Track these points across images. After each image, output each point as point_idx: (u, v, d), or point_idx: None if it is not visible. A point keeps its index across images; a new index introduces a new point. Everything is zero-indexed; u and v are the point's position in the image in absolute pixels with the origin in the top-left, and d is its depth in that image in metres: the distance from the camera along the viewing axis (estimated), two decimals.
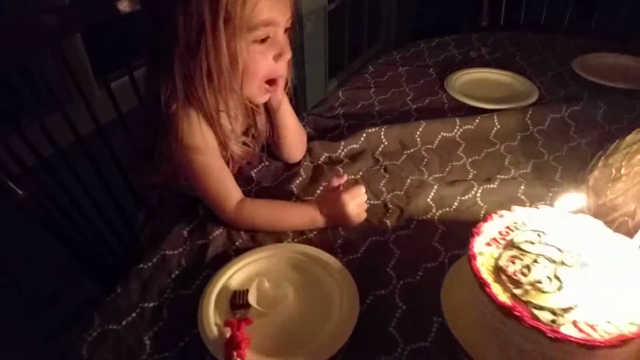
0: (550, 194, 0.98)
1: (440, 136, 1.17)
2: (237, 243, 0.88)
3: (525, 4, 1.89)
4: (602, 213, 0.83)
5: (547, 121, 1.23)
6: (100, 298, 0.79)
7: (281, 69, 0.88)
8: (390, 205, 0.96)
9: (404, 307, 0.76)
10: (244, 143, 0.99)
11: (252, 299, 0.74)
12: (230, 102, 0.88)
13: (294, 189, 1.00)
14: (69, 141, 1.11)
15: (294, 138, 1.06)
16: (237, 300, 0.75)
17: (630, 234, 0.79)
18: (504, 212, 0.77)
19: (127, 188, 1.20)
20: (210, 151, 0.88)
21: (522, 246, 0.71)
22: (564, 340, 0.57)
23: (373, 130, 1.15)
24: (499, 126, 1.20)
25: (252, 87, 0.87)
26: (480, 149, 1.14)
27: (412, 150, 1.14)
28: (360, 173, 1.06)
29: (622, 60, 1.52)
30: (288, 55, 0.86)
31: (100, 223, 1.15)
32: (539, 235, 0.73)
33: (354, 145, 1.13)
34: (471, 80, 1.45)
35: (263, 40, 0.82)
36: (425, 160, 1.11)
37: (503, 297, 0.63)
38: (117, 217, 1.20)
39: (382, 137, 1.14)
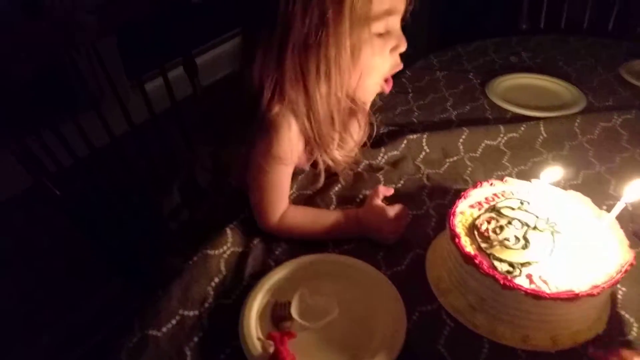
0: (604, 207, 0.92)
1: (484, 144, 1.13)
2: (276, 252, 0.85)
3: (567, 7, 1.82)
4: None
5: (597, 130, 1.17)
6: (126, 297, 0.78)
7: (399, 62, 0.83)
8: (432, 213, 0.93)
9: (452, 324, 0.73)
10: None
11: (294, 311, 0.72)
12: (343, 103, 0.83)
13: (333, 197, 0.97)
14: (103, 141, 1.11)
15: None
16: (279, 313, 0.72)
17: None
18: (495, 181, 0.83)
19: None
20: (289, 164, 0.85)
21: (502, 210, 0.77)
22: (514, 289, 0.63)
23: (414, 136, 1.11)
24: (545, 135, 1.15)
25: (369, 85, 0.83)
26: (527, 158, 1.09)
27: (454, 158, 1.10)
28: (402, 181, 1.03)
29: None
30: (404, 46, 0.81)
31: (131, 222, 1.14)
32: (522, 203, 0.78)
33: (395, 152, 1.10)
34: (514, 86, 1.40)
35: (382, 33, 0.78)
36: (469, 169, 1.07)
37: (469, 248, 0.71)
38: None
39: (424, 144, 1.11)
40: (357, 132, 0.93)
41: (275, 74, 0.77)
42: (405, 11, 0.80)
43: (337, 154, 0.89)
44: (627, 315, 0.73)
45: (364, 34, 0.74)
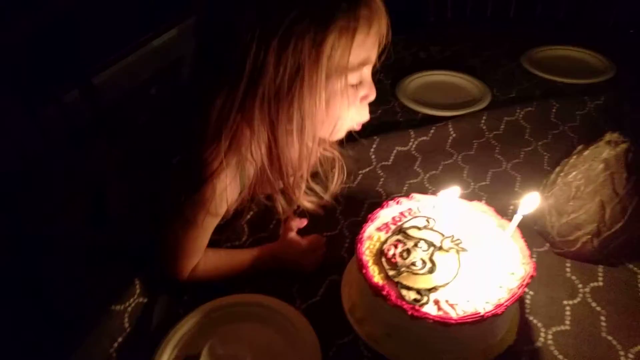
0: (511, 207, 0.95)
1: (395, 151, 1.12)
2: (185, 298, 0.80)
3: None
4: (566, 231, 0.80)
5: (502, 125, 1.21)
6: None
7: (367, 113, 0.83)
8: (346, 234, 0.91)
9: (369, 354, 0.71)
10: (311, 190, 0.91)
11: None
12: (314, 152, 0.79)
13: (245, 226, 0.93)
14: None
15: None
16: None
17: (592, 253, 0.78)
18: (402, 199, 0.82)
19: None
20: (219, 217, 0.79)
21: (409, 231, 0.76)
22: (422, 318, 0.63)
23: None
24: (454, 134, 1.17)
25: (337, 134, 0.82)
26: (438, 162, 1.10)
27: (367, 169, 1.08)
28: None
29: (567, 53, 1.52)
30: (374, 95, 0.79)
31: None
32: (427, 221, 0.77)
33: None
34: (423, 85, 1.41)
35: (355, 84, 0.75)
36: (382, 179, 1.06)
37: (377, 278, 0.69)
38: None
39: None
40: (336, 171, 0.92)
41: (235, 123, 0.70)
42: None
43: (308, 202, 0.86)
44: (535, 321, 0.75)
45: (338, 84, 0.71)
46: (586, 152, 0.78)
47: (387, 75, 1.46)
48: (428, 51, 1.61)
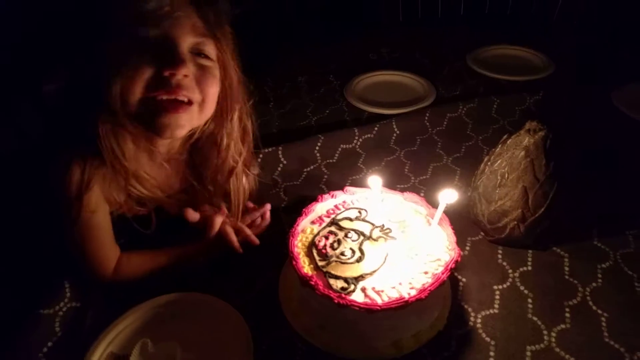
0: None
1: (340, 149, 1.14)
2: (119, 298, 0.79)
3: None
4: (495, 219, 0.83)
5: (445, 121, 1.24)
6: None
7: (173, 82, 0.69)
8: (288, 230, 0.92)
9: (303, 347, 0.72)
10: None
11: None
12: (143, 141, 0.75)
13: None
14: None
15: None
16: None
17: (520, 238, 0.80)
18: (337, 192, 0.84)
19: None
20: (96, 209, 0.75)
21: (341, 223, 0.77)
22: (349, 305, 0.64)
23: (270, 149, 1.09)
24: (398, 132, 1.19)
25: (131, 100, 0.68)
26: (381, 158, 1.12)
27: (311, 167, 1.10)
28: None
29: (512, 52, 1.57)
30: (175, 70, 0.67)
31: None
32: (360, 212, 0.79)
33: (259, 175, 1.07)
34: (371, 85, 1.43)
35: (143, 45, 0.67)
36: (326, 176, 1.07)
37: (307, 269, 0.70)
38: None
39: (280, 156, 1.09)
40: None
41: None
42: (196, 30, 0.71)
43: (138, 190, 0.77)
44: (466, 306, 0.77)
45: (110, 44, 0.67)
46: (509, 141, 0.81)
47: (337, 77, 1.48)
48: (378, 53, 1.64)
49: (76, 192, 0.71)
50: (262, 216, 0.91)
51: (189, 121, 0.73)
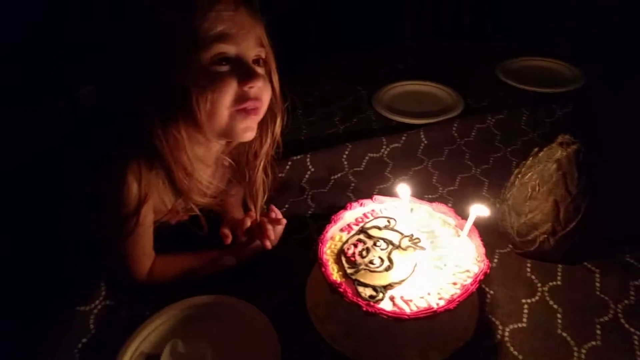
0: None
1: (367, 157, 1.15)
2: (152, 299, 0.81)
3: (449, 10, 1.90)
4: (524, 231, 0.82)
5: (473, 132, 1.23)
6: None
7: (248, 96, 0.74)
8: (315, 237, 0.93)
9: (328, 352, 0.72)
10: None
11: None
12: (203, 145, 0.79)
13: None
14: None
15: None
16: None
17: (550, 252, 0.80)
18: (365, 200, 0.85)
19: None
20: (148, 222, 0.78)
21: (370, 231, 0.78)
22: (377, 314, 0.64)
23: (298, 157, 1.11)
24: (426, 141, 1.19)
25: (221, 118, 0.74)
26: (408, 168, 1.12)
27: (339, 175, 1.11)
28: (287, 205, 1.02)
29: (541, 64, 1.56)
30: (254, 81, 0.73)
31: None
32: (388, 221, 0.80)
33: (280, 174, 1.09)
34: (399, 94, 1.44)
35: (223, 64, 0.72)
36: (353, 184, 1.08)
37: (336, 275, 0.71)
38: None
39: (309, 163, 1.11)
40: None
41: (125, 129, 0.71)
42: (266, 51, 0.77)
43: (199, 199, 0.80)
44: (493, 319, 0.76)
45: (194, 60, 0.69)
46: (541, 154, 0.81)
47: (364, 86, 1.49)
48: (405, 63, 1.64)
49: (134, 207, 0.73)
50: (276, 221, 0.90)
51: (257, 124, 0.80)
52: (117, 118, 0.74)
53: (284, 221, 0.89)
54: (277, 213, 0.89)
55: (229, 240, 0.85)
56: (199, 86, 0.70)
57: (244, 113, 0.76)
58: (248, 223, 0.86)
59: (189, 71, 0.68)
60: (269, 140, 0.85)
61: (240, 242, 0.85)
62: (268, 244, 0.85)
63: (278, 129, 0.85)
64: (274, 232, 0.87)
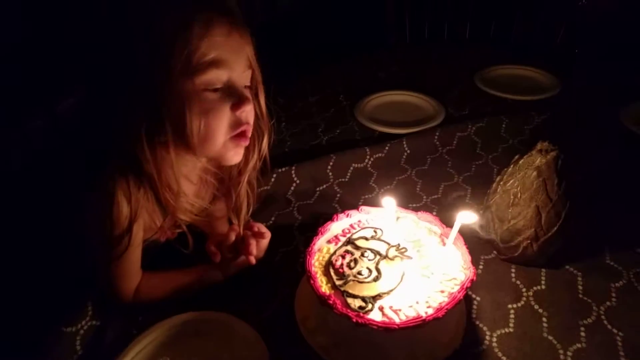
0: None
1: (352, 168, 1.16)
2: (139, 318, 0.80)
3: (429, 18, 1.94)
4: (508, 238, 0.84)
5: (454, 140, 1.25)
6: None
7: (241, 120, 0.75)
8: (302, 249, 0.93)
9: None
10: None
11: None
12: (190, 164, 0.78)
13: None
14: None
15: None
16: None
17: (533, 257, 0.81)
18: (352, 212, 0.85)
19: None
20: (137, 241, 0.77)
21: (357, 242, 0.79)
22: (366, 324, 0.65)
23: (283, 169, 1.11)
24: (409, 151, 1.21)
25: (214, 145, 0.74)
26: (392, 177, 1.14)
27: (324, 186, 1.11)
28: (273, 218, 1.02)
29: (519, 72, 1.59)
30: (246, 105, 0.73)
31: None
32: (375, 232, 0.81)
33: (265, 187, 1.09)
34: (381, 104, 1.46)
35: (217, 88, 0.71)
36: (339, 195, 1.09)
37: (325, 287, 0.71)
38: None
39: (294, 175, 1.11)
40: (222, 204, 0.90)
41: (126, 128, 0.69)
42: (253, 70, 0.76)
43: (185, 217, 0.79)
44: (480, 325, 0.77)
45: (187, 85, 0.68)
46: (521, 161, 0.83)
47: (347, 97, 1.50)
48: (387, 71, 1.67)
49: (126, 226, 0.72)
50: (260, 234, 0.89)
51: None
52: (103, 134, 0.73)
53: (269, 234, 0.89)
54: (259, 227, 0.89)
55: (218, 257, 0.84)
56: (192, 111, 0.69)
57: (236, 139, 0.76)
58: (232, 238, 0.85)
59: (181, 94, 0.68)
60: (255, 157, 0.85)
61: (226, 258, 0.85)
62: (252, 260, 0.84)
63: (265, 146, 0.85)
64: (259, 246, 0.86)
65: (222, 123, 0.73)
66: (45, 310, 0.80)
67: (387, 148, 1.19)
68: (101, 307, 0.81)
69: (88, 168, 0.74)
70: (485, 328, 0.77)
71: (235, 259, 0.85)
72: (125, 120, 0.69)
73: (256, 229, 0.88)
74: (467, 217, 0.75)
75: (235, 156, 0.78)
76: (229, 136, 0.75)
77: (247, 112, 0.75)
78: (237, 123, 0.75)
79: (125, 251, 0.73)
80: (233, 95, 0.73)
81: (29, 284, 0.84)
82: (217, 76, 0.70)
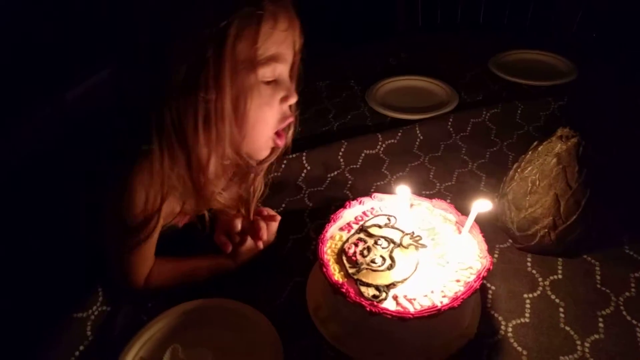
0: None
1: (363, 154, 1.14)
2: (149, 305, 0.80)
3: (441, 3, 1.90)
4: (525, 226, 0.82)
5: (468, 127, 1.23)
6: None
7: (289, 113, 0.75)
8: (313, 236, 0.92)
9: (332, 353, 0.72)
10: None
11: None
12: (228, 157, 0.74)
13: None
14: None
15: None
16: None
17: (550, 246, 0.79)
18: (365, 199, 0.83)
19: None
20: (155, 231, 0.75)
21: (370, 230, 0.77)
22: (380, 314, 0.63)
23: (294, 155, 1.09)
24: (422, 137, 1.18)
25: (258, 139, 0.74)
26: (405, 164, 1.12)
27: (335, 172, 1.10)
28: (283, 205, 1.01)
29: (534, 57, 1.55)
30: (294, 98, 0.74)
31: None
32: (388, 219, 0.79)
33: (275, 173, 1.07)
34: (392, 90, 1.43)
35: (270, 81, 0.70)
36: (350, 182, 1.07)
37: (338, 276, 0.70)
38: None
39: (304, 162, 1.09)
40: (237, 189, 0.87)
41: (153, 121, 0.66)
42: (294, 62, 0.74)
43: (218, 202, 0.79)
44: (496, 315, 0.76)
45: (249, 79, 0.67)
46: (540, 148, 0.80)
47: (358, 82, 1.48)
48: (398, 57, 1.63)
49: (156, 208, 0.71)
50: (270, 217, 0.89)
51: None
52: (132, 120, 0.70)
53: (278, 217, 0.88)
54: (268, 211, 0.88)
55: (229, 247, 0.84)
56: (253, 104, 0.68)
57: (276, 135, 0.76)
58: (239, 226, 0.85)
59: (244, 87, 0.67)
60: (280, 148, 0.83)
61: (235, 243, 0.84)
62: (260, 245, 0.84)
63: (290, 136, 0.82)
64: (269, 230, 0.85)
65: (274, 116, 0.73)
66: (56, 296, 0.79)
67: (399, 134, 1.17)
68: (112, 293, 0.80)
69: (106, 156, 0.73)
70: (500, 318, 0.75)
71: (243, 243, 0.84)
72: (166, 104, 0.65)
73: (265, 213, 0.87)
74: (483, 205, 0.73)
75: (267, 151, 0.79)
76: (276, 130, 0.75)
77: (294, 105, 0.76)
78: (284, 115, 0.75)
79: (142, 242, 0.73)
80: (282, 88, 0.72)
81: (40, 270, 0.83)
82: (275, 69, 0.70)
